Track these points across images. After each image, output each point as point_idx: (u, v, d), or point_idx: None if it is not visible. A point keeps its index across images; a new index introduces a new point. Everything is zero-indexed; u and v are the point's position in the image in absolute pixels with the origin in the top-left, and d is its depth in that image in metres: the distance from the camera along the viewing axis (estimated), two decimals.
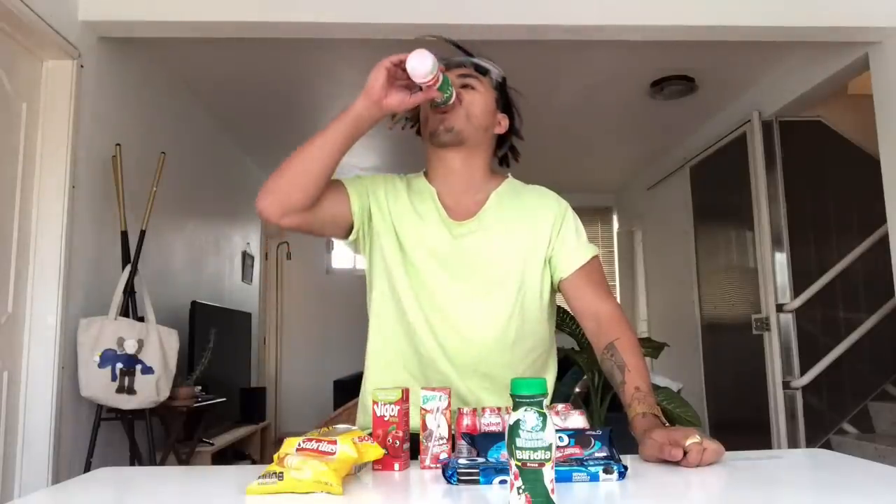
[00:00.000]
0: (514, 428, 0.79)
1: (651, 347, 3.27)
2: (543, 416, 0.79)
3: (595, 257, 1.39)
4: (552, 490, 0.79)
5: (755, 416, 3.92)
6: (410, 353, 1.36)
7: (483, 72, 1.41)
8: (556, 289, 1.41)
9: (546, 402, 0.81)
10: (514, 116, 1.47)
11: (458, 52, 1.44)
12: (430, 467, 1.09)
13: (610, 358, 1.26)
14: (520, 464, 0.79)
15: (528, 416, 0.79)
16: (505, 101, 1.45)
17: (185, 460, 3.23)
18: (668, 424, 1.14)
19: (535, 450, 0.78)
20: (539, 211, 1.40)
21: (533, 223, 1.39)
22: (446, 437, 1.11)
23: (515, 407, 0.80)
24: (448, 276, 1.35)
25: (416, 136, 1.47)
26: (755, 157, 3.92)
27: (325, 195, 1.31)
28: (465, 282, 1.35)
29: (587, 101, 4.27)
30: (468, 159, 1.40)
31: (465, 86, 1.37)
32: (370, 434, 1.08)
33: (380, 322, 1.40)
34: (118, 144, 2.84)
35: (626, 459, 1.06)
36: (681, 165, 5.00)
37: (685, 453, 1.02)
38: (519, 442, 0.78)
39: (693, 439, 1.03)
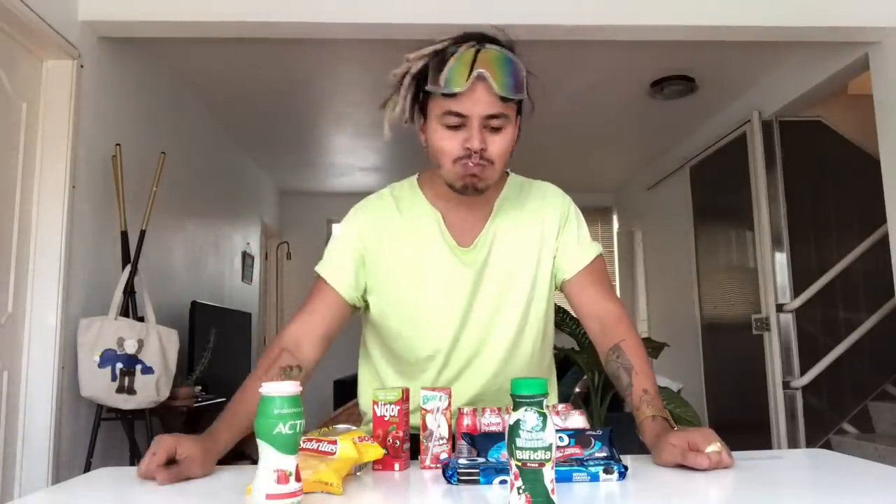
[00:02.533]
0: (515, 428, 0.79)
1: (651, 347, 3.27)
2: (543, 416, 0.79)
3: (598, 256, 1.35)
4: (552, 490, 0.79)
5: (755, 416, 3.92)
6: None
7: (509, 100, 1.18)
8: (557, 289, 1.38)
9: (546, 402, 0.81)
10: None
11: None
12: (430, 467, 1.09)
13: (616, 360, 1.23)
14: (520, 464, 0.79)
15: (529, 416, 0.79)
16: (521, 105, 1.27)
17: None
18: (675, 427, 1.13)
19: (535, 450, 0.78)
20: (544, 215, 1.34)
21: (539, 229, 1.33)
22: (446, 437, 1.11)
23: (515, 407, 0.80)
24: (455, 307, 1.29)
25: (416, 133, 1.29)
26: (755, 157, 3.92)
27: (329, 325, 1.28)
28: (475, 311, 1.30)
29: (587, 101, 4.27)
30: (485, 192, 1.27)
31: (493, 129, 1.18)
32: (370, 434, 1.09)
33: (369, 358, 1.41)
34: (118, 144, 2.84)
35: (626, 459, 1.06)
36: (681, 165, 5.00)
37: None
38: (519, 442, 0.78)
39: (714, 447, 1.02)
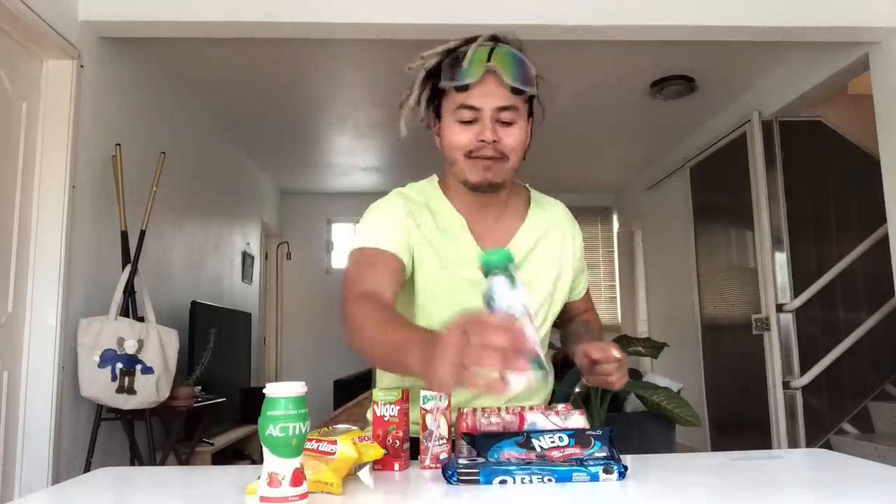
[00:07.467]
0: (487, 296, 0.80)
1: (651, 347, 3.27)
2: (512, 278, 0.80)
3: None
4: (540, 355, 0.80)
5: (755, 415, 3.92)
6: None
7: (519, 92, 1.20)
8: None
9: (514, 271, 0.86)
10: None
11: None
12: (430, 467, 1.09)
13: (576, 323, 1.44)
14: None
15: (498, 282, 0.80)
16: (532, 107, 1.28)
17: (185, 460, 3.23)
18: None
19: (511, 309, 0.80)
20: (563, 234, 1.37)
21: (559, 246, 1.35)
22: (446, 437, 1.11)
23: (485, 276, 0.83)
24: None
25: (417, 133, 1.28)
26: (755, 157, 3.92)
27: (394, 287, 1.19)
28: None
29: (587, 101, 4.27)
30: (501, 192, 1.28)
31: (505, 122, 1.19)
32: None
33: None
34: (118, 144, 2.84)
35: (626, 459, 1.06)
36: (681, 165, 5.00)
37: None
38: (494, 307, 0.80)
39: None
